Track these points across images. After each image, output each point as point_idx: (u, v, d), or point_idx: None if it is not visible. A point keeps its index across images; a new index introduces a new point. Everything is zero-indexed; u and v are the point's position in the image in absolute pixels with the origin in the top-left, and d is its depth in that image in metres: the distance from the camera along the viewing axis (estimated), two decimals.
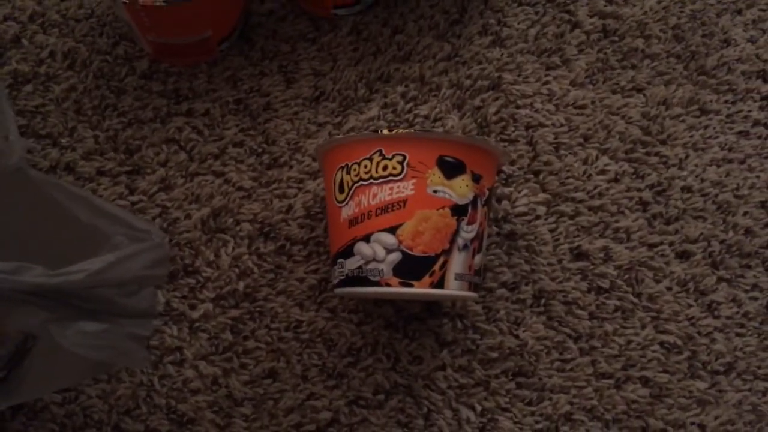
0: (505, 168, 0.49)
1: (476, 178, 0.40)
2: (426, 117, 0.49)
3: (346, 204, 0.40)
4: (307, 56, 0.50)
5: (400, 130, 0.39)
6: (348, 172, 0.40)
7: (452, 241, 0.39)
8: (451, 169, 0.39)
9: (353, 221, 0.39)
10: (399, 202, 0.38)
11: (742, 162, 0.49)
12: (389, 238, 0.38)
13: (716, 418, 0.45)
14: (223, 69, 0.50)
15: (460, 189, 0.39)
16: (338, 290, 0.40)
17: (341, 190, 0.40)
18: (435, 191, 0.38)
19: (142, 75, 0.50)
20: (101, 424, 0.44)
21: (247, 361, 0.45)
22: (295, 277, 0.47)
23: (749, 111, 0.50)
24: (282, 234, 0.48)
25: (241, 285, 0.46)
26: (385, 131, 0.39)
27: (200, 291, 0.46)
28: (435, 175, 0.38)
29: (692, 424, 0.44)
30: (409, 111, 0.50)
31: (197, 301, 0.46)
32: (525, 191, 0.48)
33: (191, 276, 0.47)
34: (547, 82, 0.50)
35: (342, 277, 0.40)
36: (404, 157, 0.39)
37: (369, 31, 0.51)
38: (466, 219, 0.39)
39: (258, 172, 0.49)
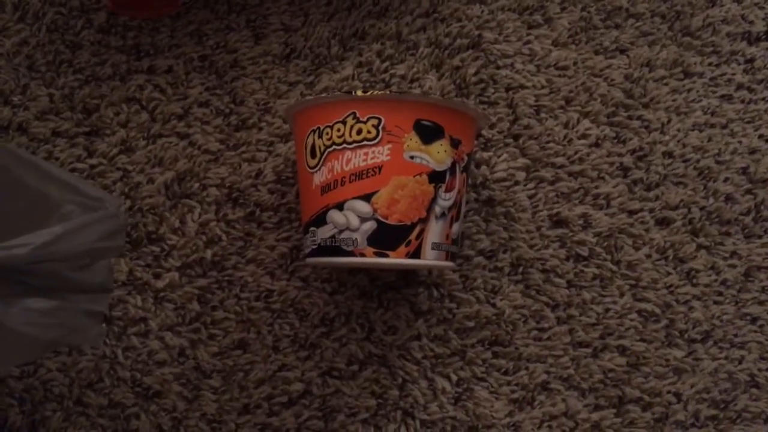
0: (484, 132, 0.47)
1: (455, 143, 0.38)
2: (403, 77, 0.47)
3: (318, 170, 0.38)
4: (277, 10, 0.47)
5: (376, 92, 0.36)
6: (320, 136, 0.38)
7: (429, 209, 0.37)
8: (428, 133, 0.37)
9: (326, 188, 0.37)
10: (374, 168, 0.36)
11: (724, 127, 0.48)
12: (363, 206, 0.36)
13: (692, 386, 0.44)
14: (186, 23, 0.47)
15: (438, 155, 0.37)
16: (310, 260, 0.39)
17: (313, 155, 0.38)
18: (412, 157, 0.37)
19: (99, 29, 0.46)
20: (62, 398, 0.42)
21: (216, 331, 0.44)
22: (266, 244, 0.45)
23: (733, 74, 0.48)
24: (251, 200, 0.45)
25: (208, 253, 0.44)
26: (360, 92, 0.37)
27: (165, 259, 0.44)
28: (412, 140, 0.37)
29: (668, 392, 0.44)
30: (385, 71, 0.47)
31: (162, 270, 0.44)
32: (504, 156, 0.47)
33: (155, 244, 0.44)
34: (528, 42, 0.48)
35: (314, 247, 0.38)
36: (380, 121, 0.36)
37: None
38: (443, 186, 0.37)
39: (225, 134, 0.46)
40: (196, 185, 0.45)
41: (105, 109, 0.46)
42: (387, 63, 0.47)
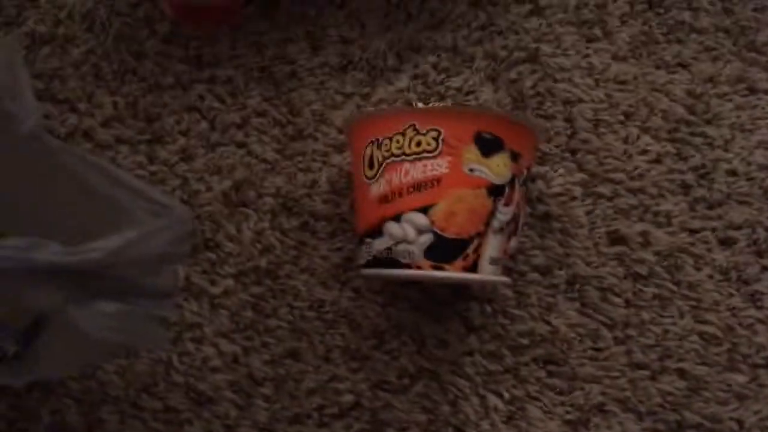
0: (540, 146, 0.46)
1: (514, 157, 0.37)
2: (458, 89, 0.47)
3: (376, 181, 0.38)
4: (334, 22, 0.48)
5: (436, 104, 0.36)
6: (379, 148, 0.38)
7: (487, 224, 0.37)
8: (488, 146, 0.36)
9: (383, 199, 0.37)
10: (432, 181, 0.36)
11: None
12: (421, 219, 0.36)
13: (756, 413, 0.43)
14: (246, 34, 0.48)
15: (498, 168, 0.37)
16: (365, 271, 0.39)
17: (371, 166, 0.38)
18: (471, 170, 0.36)
19: (163, 39, 0.48)
20: (118, 400, 0.43)
21: (269, 339, 0.44)
22: (319, 254, 0.45)
23: None
24: (306, 209, 0.46)
25: (263, 261, 0.45)
26: (420, 104, 0.37)
27: (221, 266, 0.45)
28: (471, 153, 0.36)
29: (730, 419, 0.43)
30: (441, 83, 0.47)
31: (218, 277, 0.45)
32: (561, 171, 0.46)
33: (212, 251, 0.45)
34: (587, 56, 0.48)
35: (369, 258, 0.38)
36: (439, 133, 0.36)
37: None
38: (502, 200, 0.37)
39: (282, 144, 0.47)
40: (253, 194, 0.46)
41: (166, 118, 0.47)
42: (443, 75, 0.47)
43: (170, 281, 0.30)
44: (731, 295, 0.44)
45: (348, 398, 0.43)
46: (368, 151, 0.38)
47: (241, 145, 0.47)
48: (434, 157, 0.36)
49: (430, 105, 0.36)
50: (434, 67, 0.47)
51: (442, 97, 0.47)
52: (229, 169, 0.46)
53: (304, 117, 0.47)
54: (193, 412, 0.43)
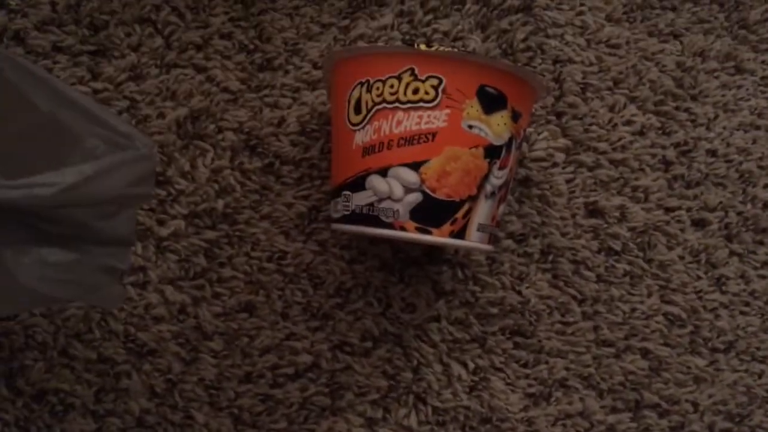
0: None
1: (515, 117, 0.34)
2: (445, 34, 0.43)
3: (362, 128, 0.34)
4: None
5: (440, 48, 0.32)
6: (369, 91, 0.34)
7: (480, 187, 0.34)
8: (491, 102, 0.33)
9: (368, 150, 0.33)
10: (427, 134, 0.33)
11: None
12: (410, 175, 0.33)
13: (710, 396, 0.43)
14: None
15: (498, 127, 0.34)
16: (339, 226, 0.35)
17: (357, 111, 0.34)
18: (470, 126, 0.33)
19: None
20: (45, 347, 0.38)
21: (222, 290, 0.40)
22: (283, 201, 0.41)
23: None
24: (271, 150, 0.41)
25: (220, 203, 0.40)
26: (422, 46, 0.33)
27: (171, 205, 0.40)
28: (473, 108, 0.33)
29: (686, 401, 0.43)
30: (428, 24, 0.43)
31: (167, 217, 0.40)
32: (545, 134, 0.43)
33: (161, 186, 0.40)
34: (581, 12, 0.45)
35: (346, 212, 0.34)
36: (440, 81, 0.33)
37: None
38: (498, 162, 0.34)
39: (247, 73, 0.41)
40: (211, 126, 0.41)
41: (115, 28, 0.41)
42: (430, 16, 0.43)
43: (127, 227, 0.25)
44: (699, 277, 0.44)
45: (305, 358, 0.40)
46: (355, 94, 0.34)
47: (200, 69, 0.41)
48: (431, 109, 0.33)
49: (435, 48, 0.32)
50: (422, 5, 0.43)
51: (427, 41, 0.43)
52: (185, 96, 0.41)
53: (274, 45, 0.42)
54: (132, 364, 0.39)
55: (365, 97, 0.34)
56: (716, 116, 0.45)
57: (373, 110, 0.33)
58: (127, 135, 0.26)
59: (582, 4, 0.45)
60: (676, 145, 0.45)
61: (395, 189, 0.33)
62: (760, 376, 0.44)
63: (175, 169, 0.40)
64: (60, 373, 0.38)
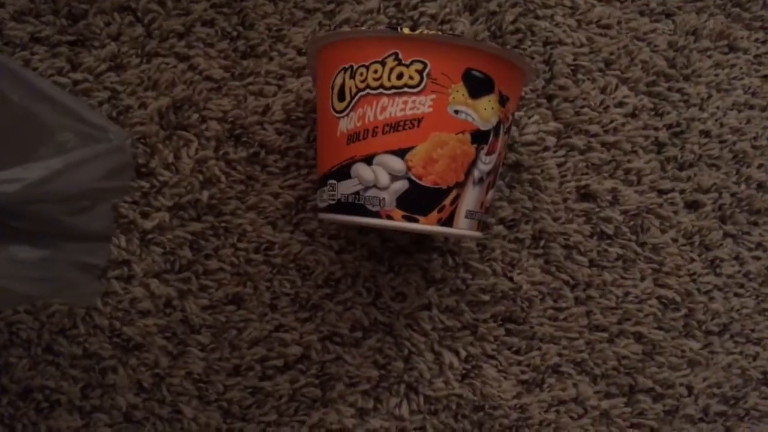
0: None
1: (503, 101, 0.34)
2: (432, 17, 0.42)
3: (346, 115, 0.33)
4: None
5: (425, 31, 0.32)
6: (352, 77, 0.33)
7: (468, 173, 0.33)
8: (478, 86, 0.32)
9: (353, 137, 0.33)
10: (413, 121, 0.32)
11: (763, 109, 0.45)
12: (396, 163, 0.32)
13: (704, 380, 0.43)
14: None
15: (485, 112, 0.33)
16: (325, 215, 0.34)
17: (341, 98, 0.33)
18: (456, 111, 0.32)
19: None
20: (30, 343, 0.38)
21: (208, 283, 0.39)
22: (269, 191, 0.40)
23: None
24: (256, 139, 0.40)
25: (204, 195, 0.40)
26: (406, 30, 0.32)
27: (155, 197, 0.39)
28: (459, 92, 0.32)
29: (681, 384, 0.42)
30: (415, 7, 0.42)
31: (151, 209, 0.39)
32: (536, 117, 0.43)
33: (144, 178, 0.39)
34: None
35: (332, 202, 0.34)
36: (425, 66, 0.32)
37: None
38: (485, 148, 0.33)
39: (231, 61, 0.41)
40: (195, 116, 0.40)
41: (93, 17, 0.40)
42: None
43: (104, 222, 0.25)
44: (693, 260, 0.43)
45: (295, 350, 0.40)
46: (338, 80, 0.33)
47: (182, 58, 0.40)
48: (416, 94, 0.32)
49: (419, 31, 0.32)
50: None
51: (415, 24, 0.42)
52: (168, 85, 0.40)
53: (257, 31, 0.41)
54: (118, 359, 0.39)
55: (349, 83, 0.33)
56: (709, 96, 0.45)
57: (357, 97, 0.33)
58: (101, 127, 0.25)
59: None
60: (669, 127, 0.44)
61: (381, 177, 0.32)
62: (755, 358, 0.43)
63: (158, 160, 0.39)
64: (45, 369, 0.38)
